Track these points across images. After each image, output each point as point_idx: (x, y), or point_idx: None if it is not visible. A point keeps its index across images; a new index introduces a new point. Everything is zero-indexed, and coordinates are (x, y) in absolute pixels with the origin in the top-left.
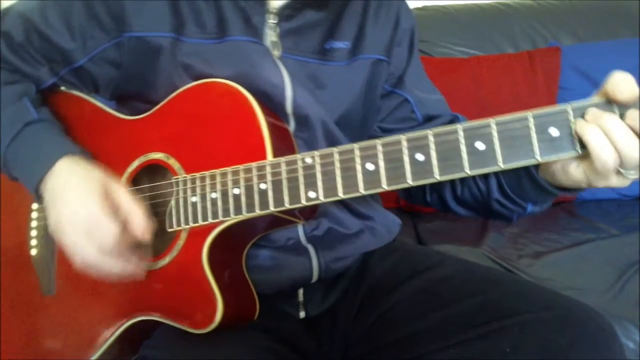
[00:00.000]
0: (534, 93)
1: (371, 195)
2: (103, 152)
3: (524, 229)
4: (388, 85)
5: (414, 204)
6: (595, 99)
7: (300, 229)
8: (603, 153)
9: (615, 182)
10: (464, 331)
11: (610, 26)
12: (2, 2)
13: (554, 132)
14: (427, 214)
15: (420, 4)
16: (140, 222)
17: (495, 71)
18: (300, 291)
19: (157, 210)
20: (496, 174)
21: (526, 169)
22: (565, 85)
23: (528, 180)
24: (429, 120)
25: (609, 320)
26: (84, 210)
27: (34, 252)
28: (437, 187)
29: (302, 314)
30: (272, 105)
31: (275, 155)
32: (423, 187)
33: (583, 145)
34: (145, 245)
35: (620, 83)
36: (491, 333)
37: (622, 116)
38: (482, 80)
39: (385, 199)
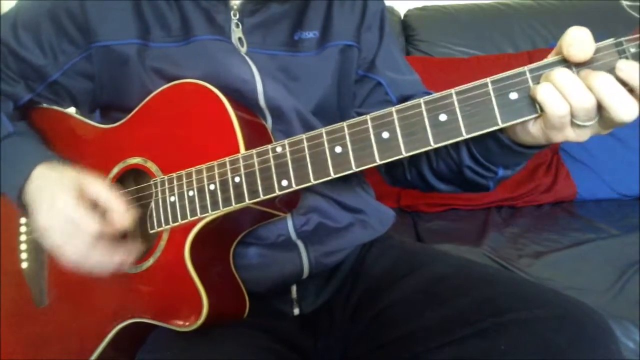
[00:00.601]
0: None
1: (361, 188)
2: (83, 162)
3: (524, 229)
4: (361, 70)
5: (399, 186)
6: (552, 58)
7: (290, 225)
8: (554, 106)
9: (572, 134)
10: (461, 329)
11: (610, 26)
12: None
13: (513, 95)
14: (427, 214)
15: (420, 4)
16: (118, 211)
17: (495, 71)
18: (294, 288)
19: (140, 213)
20: (466, 141)
21: (491, 132)
22: None
23: (494, 143)
24: (403, 100)
25: (608, 320)
26: (60, 211)
27: (24, 265)
28: (414, 162)
29: (296, 311)
30: (245, 100)
31: (248, 147)
32: (402, 165)
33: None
34: (131, 236)
35: (575, 43)
36: (489, 331)
37: (577, 74)
38: None
39: (385, 198)
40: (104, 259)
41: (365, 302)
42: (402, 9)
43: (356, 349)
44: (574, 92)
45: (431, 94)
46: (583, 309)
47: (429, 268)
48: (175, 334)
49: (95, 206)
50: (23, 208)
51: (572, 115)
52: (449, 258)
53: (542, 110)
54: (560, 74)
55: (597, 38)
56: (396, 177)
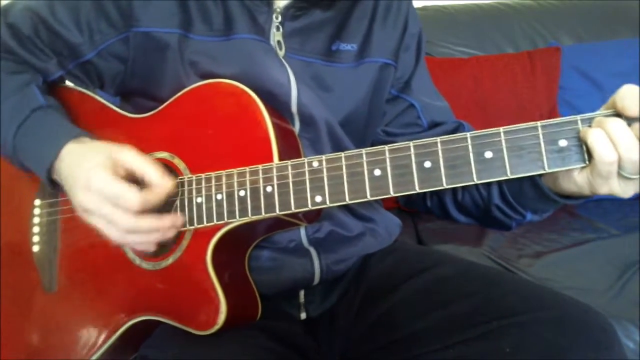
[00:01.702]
0: (534, 93)
1: None
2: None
3: (524, 229)
4: (394, 89)
5: (413, 208)
6: (605, 111)
7: (302, 231)
8: (603, 149)
9: (617, 187)
10: (463, 331)
11: (610, 26)
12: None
13: (562, 143)
14: (427, 214)
15: (420, 4)
16: (156, 176)
17: (495, 71)
18: (302, 292)
19: (161, 210)
20: (499, 181)
21: (531, 177)
22: (565, 85)
23: (530, 187)
24: (433, 126)
25: (609, 320)
26: (98, 190)
27: (35, 248)
28: (438, 192)
29: (303, 315)
30: (277, 104)
31: (281, 157)
32: (424, 192)
33: (591, 157)
34: (170, 198)
35: (628, 97)
36: (491, 333)
37: (630, 125)
38: (482, 80)
39: (385, 199)
40: (146, 236)
41: (368, 305)
42: None
43: (359, 351)
44: (624, 142)
45: (462, 123)
46: (586, 311)
47: (431, 270)
48: (180, 331)
49: (132, 176)
50: (52, 185)
51: (620, 167)
52: (451, 260)
53: (589, 160)
54: (614, 122)
55: (598, 39)
56: (414, 200)
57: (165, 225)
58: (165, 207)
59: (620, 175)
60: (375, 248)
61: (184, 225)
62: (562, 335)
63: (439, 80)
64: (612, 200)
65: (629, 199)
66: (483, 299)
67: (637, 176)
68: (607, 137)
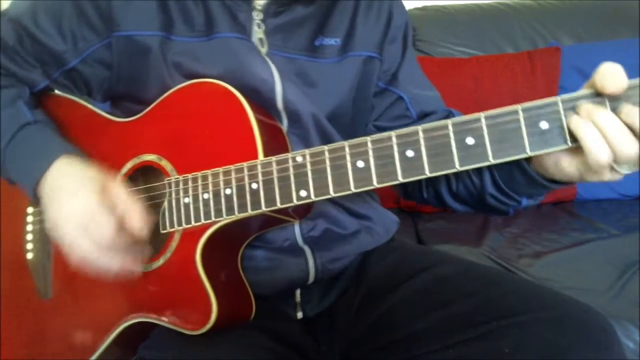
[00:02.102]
0: (534, 93)
1: (369, 194)
2: (96, 155)
3: (524, 229)
4: (382, 82)
5: (412, 201)
6: (585, 90)
7: (297, 230)
8: (597, 150)
9: (608, 176)
10: (463, 331)
11: (610, 26)
12: (2, 3)
13: (543, 125)
14: (427, 214)
15: (420, 4)
16: (137, 219)
17: (495, 71)
18: (298, 292)
19: (151, 211)
20: (489, 168)
21: (518, 163)
22: (565, 85)
23: (520, 174)
24: (423, 117)
25: (609, 320)
26: (81, 205)
27: (30, 255)
28: (433, 182)
29: (299, 315)
30: (262, 101)
31: (267, 154)
32: (419, 183)
33: (573, 138)
34: (142, 242)
35: (608, 75)
36: (491, 333)
37: (614, 110)
38: (482, 80)
39: (385, 199)
40: (112, 263)
41: (367, 305)
42: None
43: (358, 351)
44: (617, 138)
45: (452, 111)
46: (586, 311)
47: (431, 270)
48: (177, 333)
49: (114, 209)
50: (36, 200)
51: (614, 161)
52: (451, 260)
53: (573, 142)
54: (603, 116)
55: (598, 39)
56: (412, 193)
57: (124, 268)
58: (154, 208)
59: (612, 168)
60: (371, 245)
61: (173, 227)
62: (561, 335)
63: (439, 80)
64: (612, 200)
65: (629, 199)
66: (483, 299)
67: (627, 166)
68: (597, 132)
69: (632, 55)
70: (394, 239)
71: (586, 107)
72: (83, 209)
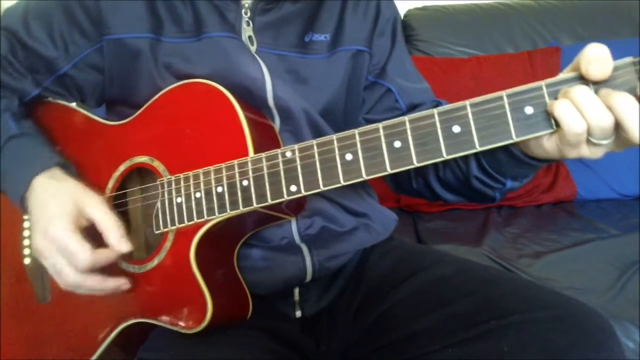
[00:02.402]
0: None
1: (366, 192)
2: (89, 159)
3: (524, 229)
4: (371, 76)
5: (403, 193)
6: (570, 74)
7: (294, 228)
8: (572, 123)
9: (586, 152)
10: (462, 331)
11: (610, 26)
12: (2, 3)
13: (528, 110)
14: (427, 214)
15: (420, 4)
16: (114, 238)
17: (495, 71)
18: (296, 290)
19: (146, 212)
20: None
21: None
22: None
23: (504, 154)
24: (413, 108)
25: (609, 320)
26: (54, 234)
27: (27, 261)
28: (420, 172)
29: (298, 314)
30: (253, 99)
31: (258, 151)
32: (408, 173)
33: (557, 123)
34: (135, 236)
35: (593, 61)
36: (490, 332)
37: (597, 92)
38: (482, 80)
39: (385, 198)
40: (98, 285)
41: (367, 304)
42: (402, 9)
43: (358, 351)
44: (592, 111)
45: (440, 102)
46: (585, 310)
47: (431, 270)
48: (176, 333)
49: (92, 227)
50: (26, 213)
51: (589, 134)
52: (451, 259)
53: (557, 126)
54: (580, 91)
55: (598, 39)
56: (402, 184)
57: (109, 287)
58: (149, 209)
59: (589, 141)
60: (369, 242)
61: (166, 227)
62: (561, 335)
63: (439, 80)
64: (612, 200)
65: (629, 199)
66: (482, 299)
67: (606, 141)
68: (574, 107)
69: (632, 55)
70: (393, 238)
71: (564, 89)
72: (56, 237)
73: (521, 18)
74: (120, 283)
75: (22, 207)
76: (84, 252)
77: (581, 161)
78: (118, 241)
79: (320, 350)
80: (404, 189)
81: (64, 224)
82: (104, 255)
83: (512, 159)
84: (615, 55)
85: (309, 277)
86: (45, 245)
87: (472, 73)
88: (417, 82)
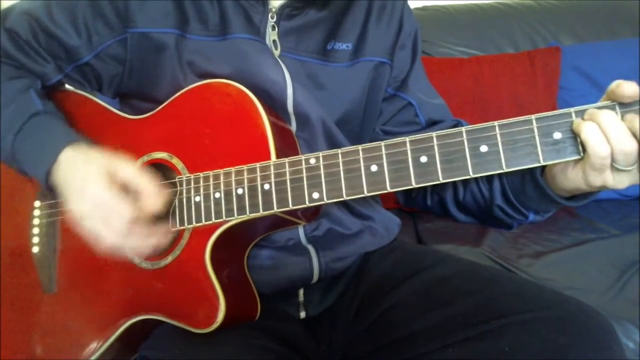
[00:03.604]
0: (534, 93)
1: (372, 196)
2: (107, 151)
3: (524, 229)
4: (391, 88)
5: (412, 207)
6: (599, 103)
7: (300, 230)
8: (597, 146)
9: (610, 179)
10: (463, 330)
11: (610, 26)
12: (2, 2)
13: (557, 135)
14: (427, 214)
15: (420, 4)
16: (150, 194)
17: (495, 71)
18: (301, 291)
19: (163, 209)
20: (500, 179)
21: (531, 174)
22: (565, 85)
23: (532, 187)
24: (431, 124)
25: (609, 320)
26: (92, 197)
27: (35, 249)
28: (439, 190)
29: (302, 314)
30: (273, 103)
31: (278, 155)
32: (425, 189)
33: (585, 149)
34: (164, 215)
35: (623, 83)
36: (490, 332)
37: (622, 117)
38: (483, 80)
39: (386, 199)
40: (141, 242)
41: (367, 304)
42: None
43: (358, 351)
44: (616, 135)
45: (460, 121)
46: (585, 310)
47: (431, 270)
48: (179, 332)
49: (126, 189)
50: (51, 191)
51: (613, 159)
52: (451, 260)
53: (584, 152)
54: (605, 115)
55: (598, 39)
56: (415, 199)
57: (150, 245)
58: (164, 206)
59: (613, 167)
60: (374, 246)
61: (183, 225)
62: (561, 335)
63: (439, 80)
64: (612, 200)
65: (629, 199)
66: (482, 299)
67: (630, 168)
68: (599, 130)
69: (632, 55)
70: (394, 239)
71: (591, 111)
72: (94, 201)
73: (521, 18)
74: (160, 241)
75: (47, 183)
76: (125, 204)
77: None
78: (154, 197)
79: (321, 351)
80: (416, 203)
81: (100, 182)
82: (142, 212)
83: (541, 194)
84: (616, 55)
85: (315, 278)
86: (84, 206)
87: (472, 73)
88: (434, 97)
